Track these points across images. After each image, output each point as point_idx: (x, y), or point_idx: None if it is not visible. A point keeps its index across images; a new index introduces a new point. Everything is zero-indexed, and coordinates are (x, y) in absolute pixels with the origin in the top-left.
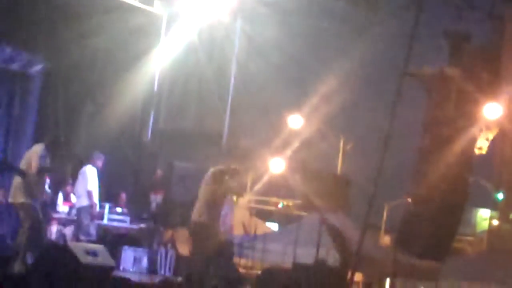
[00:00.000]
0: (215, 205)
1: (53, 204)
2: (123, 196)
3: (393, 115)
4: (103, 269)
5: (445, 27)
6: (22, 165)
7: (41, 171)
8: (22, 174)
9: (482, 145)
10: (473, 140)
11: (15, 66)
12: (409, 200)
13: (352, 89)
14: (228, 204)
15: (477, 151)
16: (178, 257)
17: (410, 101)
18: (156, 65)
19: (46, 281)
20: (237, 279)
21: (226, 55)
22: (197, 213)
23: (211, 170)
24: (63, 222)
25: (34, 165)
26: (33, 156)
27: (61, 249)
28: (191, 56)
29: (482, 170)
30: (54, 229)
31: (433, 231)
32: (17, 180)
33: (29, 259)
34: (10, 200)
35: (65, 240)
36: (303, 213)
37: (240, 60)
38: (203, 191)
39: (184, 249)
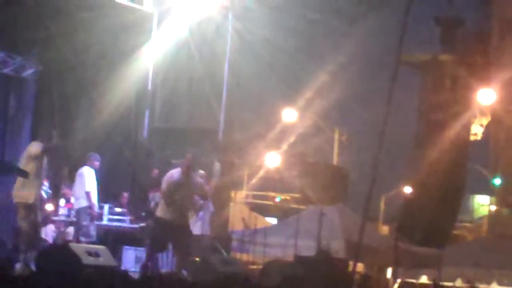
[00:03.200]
0: None
1: (55, 206)
2: (125, 195)
3: (388, 102)
4: (106, 269)
5: (437, 13)
6: (21, 165)
7: (46, 151)
8: (24, 174)
9: (476, 131)
10: (468, 126)
11: (8, 70)
12: (408, 187)
13: (346, 82)
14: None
15: (472, 137)
16: None
17: (405, 88)
18: (148, 63)
19: (49, 283)
20: (241, 274)
21: (218, 52)
22: None
23: None
24: (63, 224)
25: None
26: (31, 148)
27: (62, 250)
28: (183, 52)
29: (477, 156)
30: (52, 231)
31: (432, 217)
32: (19, 180)
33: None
34: (14, 200)
35: (65, 242)
36: (301, 207)
37: (232, 56)
38: None
39: None
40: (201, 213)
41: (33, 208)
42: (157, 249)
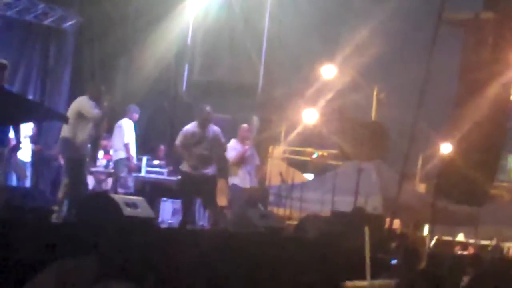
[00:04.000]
0: None
1: (93, 157)
2: (162, 148)
3: (429, 61)
4: (144, 220)
5: None
6: (70, 114)
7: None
8: (64, 119)
9: None
10: (508, 86)
11: (48, 21)
12: (446, 145)
13: (386, 39)
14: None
15: None
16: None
17: (446, 47)
18: (189, 17)
19: (89, 231)
20: (277, 228)
21: (258, 7)
22: None
23: None
24: (101, 175)
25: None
26: (83, 105)
27: (103, 199)
28: (224, 7)
29: None
30: (91, 182)
31: (470, 176)
32: (64, 133)
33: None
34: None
35: (105, 191)
36: (339, 163)
37: (272, 11)
38: None
39: (222, 200)
40: (248, 167)
41: (81, 161)
42: (186, 202)
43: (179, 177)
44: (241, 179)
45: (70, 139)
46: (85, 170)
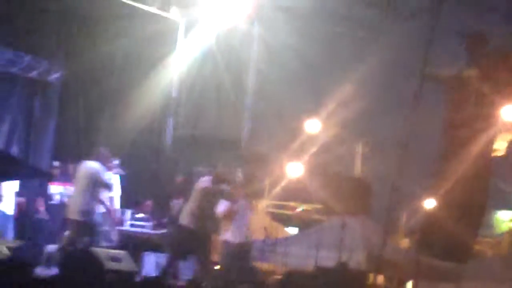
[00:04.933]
0: None
1: None
2: (148, 203)
3: (411, 117)
4: (127, 274)
5: (462, 29)
6: (80, 180)
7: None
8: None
9: (500, 147)
10: (492, 142)
11: (34, 74)
12: (429, 200)
13: (370, 93)
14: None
15: (495, 153)
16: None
17: (428, 104)
18: (174, 71)
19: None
20: (261, 282)
21: (243, 61)
22: None
23: None
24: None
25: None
26: (94, 173)
27: (85, 254)
28: (209, 62)
29: (500, 172)
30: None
31: (454, 232)
32: (75, 196)
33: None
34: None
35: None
36: (323, 218)
37: (257, 65)
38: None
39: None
40: (238, 222)
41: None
42: (178, 256)
43: (172, 230)
44: (233, 234)
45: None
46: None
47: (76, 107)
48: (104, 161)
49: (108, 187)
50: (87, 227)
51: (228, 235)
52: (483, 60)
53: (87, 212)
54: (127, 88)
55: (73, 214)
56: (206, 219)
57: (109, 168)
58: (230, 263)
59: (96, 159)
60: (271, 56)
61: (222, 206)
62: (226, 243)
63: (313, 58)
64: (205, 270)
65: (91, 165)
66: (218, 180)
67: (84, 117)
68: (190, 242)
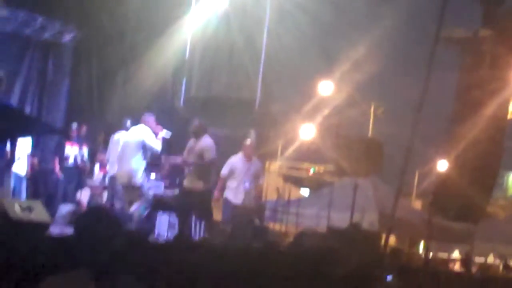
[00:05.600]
0: None
1: (90, 171)
2: (167, 166)
3: (426, 79)
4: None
5: None
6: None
7: None
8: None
9: None
10: (506, 104)
11: (47, 35)
12: (442, 162)
13: (383, 56)
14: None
15: (510, 115)
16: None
17: (444, 64)
18: (187, 32)
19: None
20: (273, 243)
21: (257, 22)
22: None
23: None
24: (98, 189)
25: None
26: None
27: (99, 214)
28: (222, 23)
29: None
30: (88, 195)
31: (466, 193)
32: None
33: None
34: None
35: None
36: (335, 179)
37: (271, 27)
38: None
39: (217, 214)
40: (247, 183)
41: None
42: (182, 215)
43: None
44: (234, 194)
45: None
46: None
47: (89, 68)
48: (151, 126)
49: (156, 151)
50: (135, 190)
51: (230, 194)
52: (498, 20)
53: (137, 177)
54: (141, 49)
55: (122, 178)
56: (195, 176)
57: (156, 133)
58: (237, 222)
59: (144, 123)
60: (285, 18)
61: (228, 167)
62: (226, 201)
63: (327, 20)
64: (209, 227)
65: (140, 130)
66: (197, 135)
67: (97, 79)
68: (187, 200)
